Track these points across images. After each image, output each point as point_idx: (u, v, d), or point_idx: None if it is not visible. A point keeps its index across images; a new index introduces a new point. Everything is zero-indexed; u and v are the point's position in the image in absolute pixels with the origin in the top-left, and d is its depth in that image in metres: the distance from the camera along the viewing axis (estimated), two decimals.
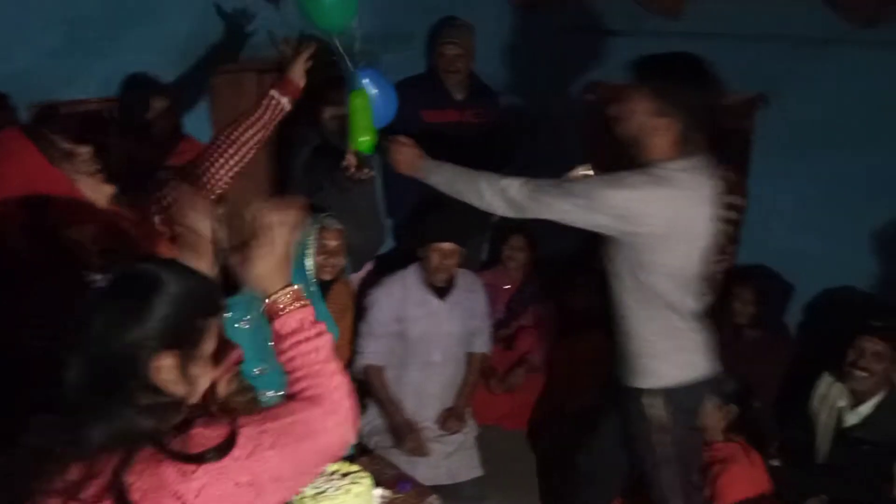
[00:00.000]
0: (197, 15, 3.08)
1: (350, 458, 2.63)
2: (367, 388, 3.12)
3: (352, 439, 1.25)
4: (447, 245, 3.05)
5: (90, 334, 1.08)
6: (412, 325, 3.11)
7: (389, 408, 3.13)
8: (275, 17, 3.08)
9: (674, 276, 2.08)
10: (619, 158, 2.13)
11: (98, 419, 1.06)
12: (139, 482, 1.03)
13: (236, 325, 2.56)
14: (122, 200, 1.79)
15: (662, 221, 1.98)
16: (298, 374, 1.25)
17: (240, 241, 1.25)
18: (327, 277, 2.79)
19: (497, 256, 4.00)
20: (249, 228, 1.26)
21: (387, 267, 3.30)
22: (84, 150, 2.14)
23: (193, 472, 1.05)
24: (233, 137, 2.21)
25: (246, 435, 1.11)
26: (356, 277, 3.35)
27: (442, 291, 3.15)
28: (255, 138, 2.24)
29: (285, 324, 1.26)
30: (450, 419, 3.18)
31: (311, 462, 1.20)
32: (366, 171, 2.81)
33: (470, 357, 3.29)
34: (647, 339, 2.16)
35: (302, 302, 1.28)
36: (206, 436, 1.08)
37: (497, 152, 3.45)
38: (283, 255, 1.27)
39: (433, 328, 3.12)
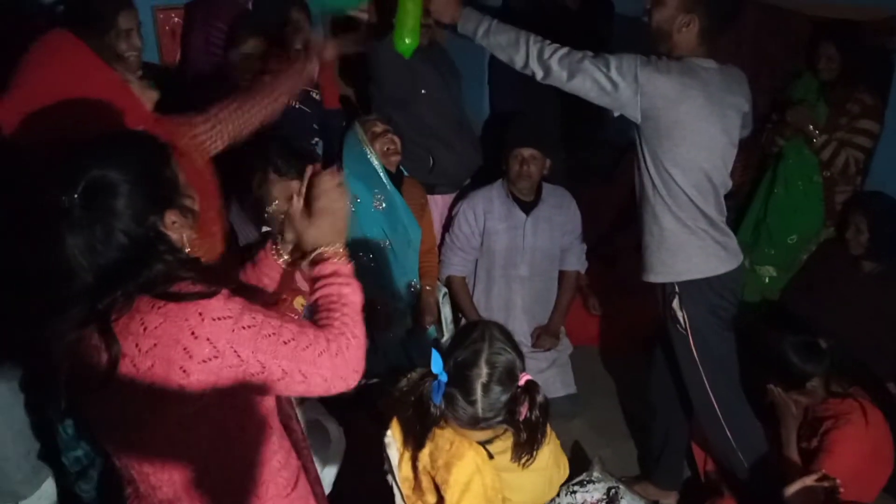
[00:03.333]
0: None
1: None
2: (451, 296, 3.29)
3: (334, 390, 1.28)
4: (527, 150, 3.03)
5: (114, 218, 1.18)
6: (496, 238, 3.15)
7: (468, 313, 3.25)
8: None
9: (691, 171, 2.19)
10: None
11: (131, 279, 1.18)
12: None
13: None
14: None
15: (685, 109, 2.12)
16: (321, 312, 1.32)
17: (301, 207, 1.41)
18: (396, 158, 2.95)
19: (611, 173, 3.91)
20: (308, 194, 1.41)
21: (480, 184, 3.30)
22: (133, 54, 2.22)
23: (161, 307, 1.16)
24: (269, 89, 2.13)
25: (227, 301, 1.19)
26: (448, 198, 3.38)
27: (528, 206, 3.14)
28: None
29: (323, 269, 1.36)
30: (543, 336, 3.22)
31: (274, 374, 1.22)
32: None
33: (563, 275, 3.29)
34: (662, 232, 2.27)
35: (345, 259, 1.38)
36: (188, 289, 1.19)
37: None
38: (340, 216, 1.40)
39: (517, 242, 3.15)
